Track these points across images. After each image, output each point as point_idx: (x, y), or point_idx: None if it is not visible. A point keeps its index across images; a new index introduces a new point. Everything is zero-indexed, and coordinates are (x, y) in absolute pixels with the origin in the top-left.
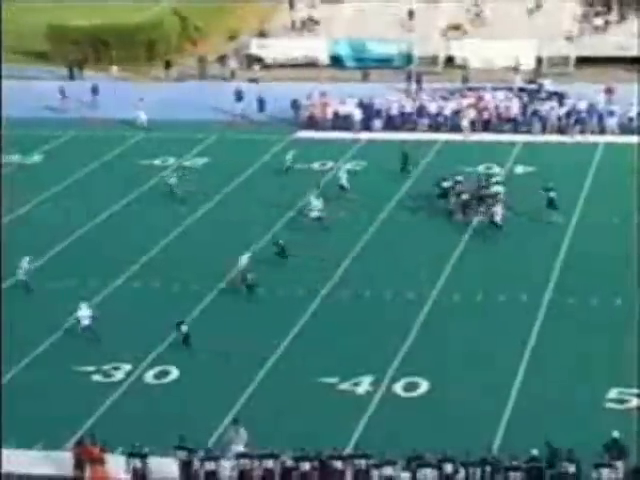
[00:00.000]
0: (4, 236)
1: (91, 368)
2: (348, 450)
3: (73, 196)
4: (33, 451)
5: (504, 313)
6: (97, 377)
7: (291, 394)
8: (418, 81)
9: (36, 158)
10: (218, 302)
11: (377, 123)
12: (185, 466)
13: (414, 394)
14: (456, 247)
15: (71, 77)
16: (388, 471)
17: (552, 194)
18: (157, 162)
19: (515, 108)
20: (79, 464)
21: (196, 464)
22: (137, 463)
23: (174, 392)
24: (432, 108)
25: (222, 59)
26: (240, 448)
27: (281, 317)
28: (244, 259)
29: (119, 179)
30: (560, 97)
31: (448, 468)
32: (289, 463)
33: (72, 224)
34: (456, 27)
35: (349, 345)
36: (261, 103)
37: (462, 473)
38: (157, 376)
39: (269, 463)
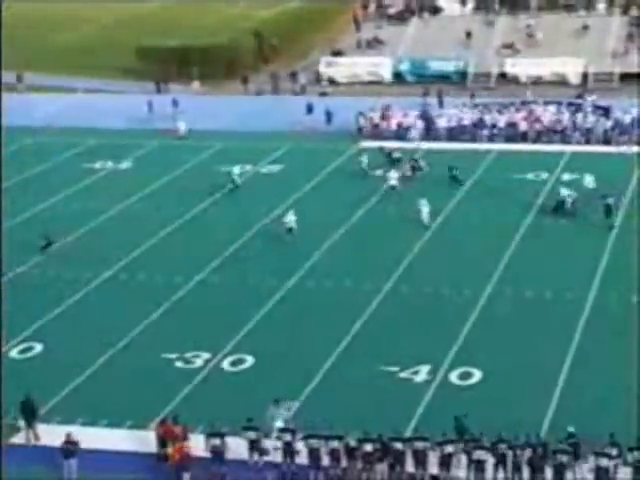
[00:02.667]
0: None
1: (174, 355)
2: (408, 433)
3: (159, 198)
4: (122, 430)
5: (551, 309)
6: (179, 364)
7: (356, 381)
8: (439, 96)
9: (126, 164)
10: (290, 295)
11: (436, 134)
12: (253, 444)
13: (468, 382)
14: (508, 247)
15: (158, 91)
16: (449, 449)
17: (609, 200)
18: (235, 170)
19: (564, 121)
20: (162, 442)
21: (272, 436)
22: (216, 442)
23: (249, 379)
24: (487, 120)
25: (293, 75)
26: (280, 424)
27: (347, 310)
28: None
29: (200, 183)
30: (605, 111)
31: (501, 448)
32: (353, 444)
33: (159, 223)
34: (509, 46)
35: (409, 337)
36: (329, 115)
37: (510, 455)
38: (233, 363)
39: (334, 443)
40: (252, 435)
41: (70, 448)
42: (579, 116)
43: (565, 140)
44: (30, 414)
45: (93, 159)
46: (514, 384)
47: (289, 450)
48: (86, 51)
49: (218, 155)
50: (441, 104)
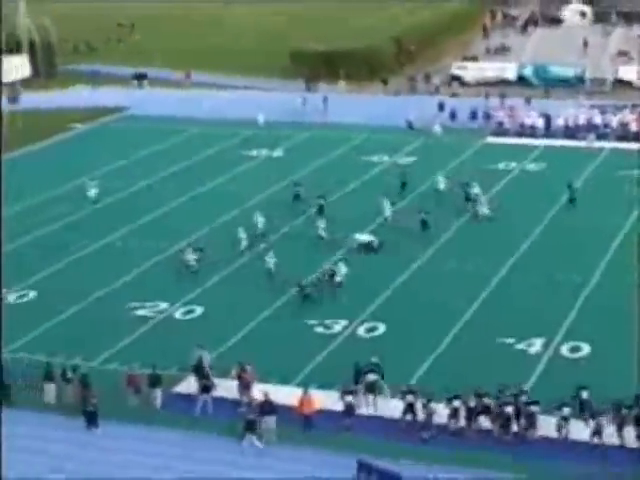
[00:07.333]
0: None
1: (314, 321)
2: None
3: (306, 183)
4: (267, 385)
5: None
6: (319, 329)
7: (476, 351)
8: (502, 96)
9: (279, 152)
10: (418, 274)
11: (555, 132)
12: (348, 408)
13: (577, 355)
14: (616, 236)
15: (307, 89)
16: (564, 412)
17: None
18: (374, 159)
19: None
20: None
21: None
22: (349, 398)
23: (381, 345)
24: (598, 121)
25: (428, 77)
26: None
27: (470, 285)
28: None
29: (344, 170)
30: None
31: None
32: (472, 404)
33: (303, 207)
34: (624, 54)
35: (525, 313)
36: (458, 114)
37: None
38: (368, 330)
39: (456, 403)
40: (349, 399)
41: (207, 384)
42: None
43: None
44: (201, 374)
45: (250, 147)
46: (620, 358)
47: (410, 409)
48: (245, 54)
49: (360, 146)
50: (502, 104)
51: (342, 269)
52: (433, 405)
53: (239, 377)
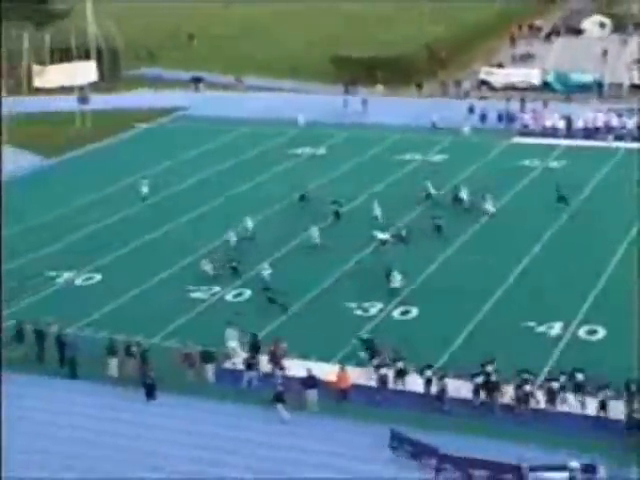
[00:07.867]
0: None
1: (353, 304)
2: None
3: (346, 179)
4: (309, 361)
5: None
6: (359, 312)
7: (501, 334)
8: (522, 101)
9: (322, 150)
10: (444, 267)
11: (575, 133)
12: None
13: (593, 338)
14: (631, 228)
15: (346, 92)
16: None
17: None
18: (407, 157)
19: None
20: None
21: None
22: (384, 371)
23: (412, 326)
24: (615, 123)
25: (458, 83)
26: (234, 344)
27: (495, 271)
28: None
29: (378, 168)
30: None
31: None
32: (494, 378)
33: (342, 199)
34: (639, 61)
35: (546, 299)
36: (487, 115)
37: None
38: (403, 313)
39: (479, 379)
40: (383, 371)
41: (252, 362)
42: None
43: None
44: (255, 349)
45: (296, 145)
46: (634, 342)
47: (429, 383)
48: (291, 60)
49: (396, 145)
50: (522, 107)
51: (397, 277)
52: (447, 380)
53: (272, 352)
